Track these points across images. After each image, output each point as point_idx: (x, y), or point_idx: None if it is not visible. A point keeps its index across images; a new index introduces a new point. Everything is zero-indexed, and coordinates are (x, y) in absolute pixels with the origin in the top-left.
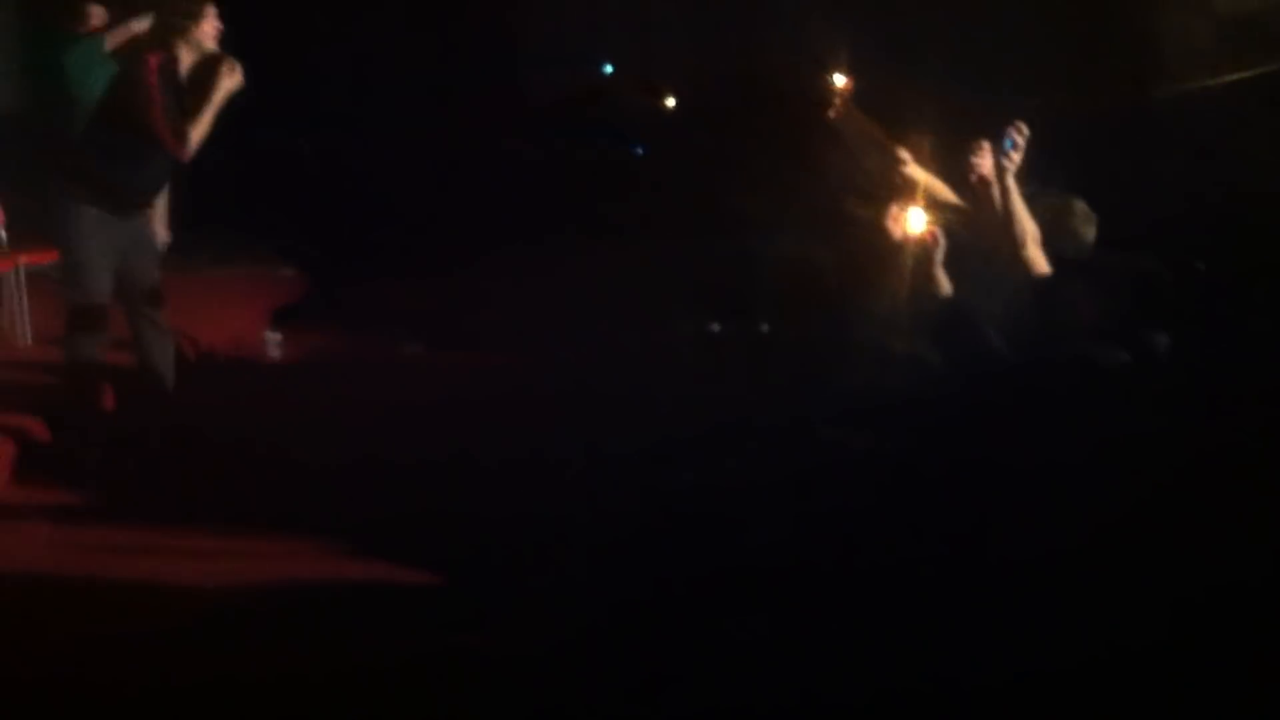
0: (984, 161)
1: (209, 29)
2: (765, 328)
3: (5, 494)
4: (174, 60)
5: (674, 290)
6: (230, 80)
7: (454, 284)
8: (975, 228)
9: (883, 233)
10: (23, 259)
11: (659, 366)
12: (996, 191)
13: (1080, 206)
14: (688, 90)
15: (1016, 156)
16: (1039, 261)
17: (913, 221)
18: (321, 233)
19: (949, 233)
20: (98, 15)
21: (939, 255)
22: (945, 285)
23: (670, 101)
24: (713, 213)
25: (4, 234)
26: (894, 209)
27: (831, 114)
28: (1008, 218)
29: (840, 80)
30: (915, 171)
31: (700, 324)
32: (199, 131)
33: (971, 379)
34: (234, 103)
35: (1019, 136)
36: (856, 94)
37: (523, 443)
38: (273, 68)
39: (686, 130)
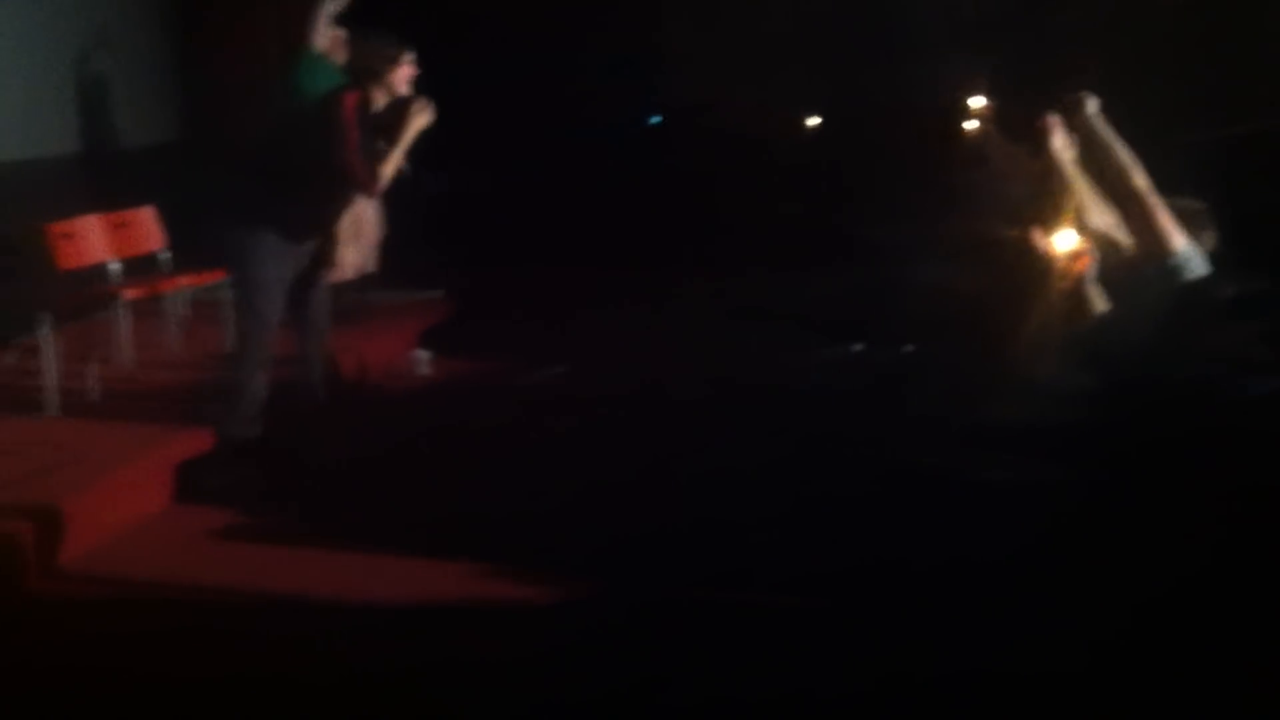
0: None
1: (405, 74)
2: (909, 349)
3: (168, 511)
4: (368, 100)
5: (821, 315)
6: (422, 118)
7: (599, 308)
8: (1123, 242)
9: (1032, 255)
10: (184, 280)
11: (805, 388)
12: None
13: (1202, 212)
14: (830, 116)
15: None
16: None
17: (1063, 241)
18: (470, 256)
19: (1100, 250)
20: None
21: (1092, 273)
22: (1100, 303)
23: (813, 127)
24: (858, 238)
25: (168, 255)
26: (1042, 229)
27: (975, 137)
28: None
29: (982, 103)
30: (1064, 189)
31: (844, 346)
32: (390, 168)
33: (1135, 408)
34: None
35: None
36: (1000, 116)
37: (668, 459)
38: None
39: (831, 156)
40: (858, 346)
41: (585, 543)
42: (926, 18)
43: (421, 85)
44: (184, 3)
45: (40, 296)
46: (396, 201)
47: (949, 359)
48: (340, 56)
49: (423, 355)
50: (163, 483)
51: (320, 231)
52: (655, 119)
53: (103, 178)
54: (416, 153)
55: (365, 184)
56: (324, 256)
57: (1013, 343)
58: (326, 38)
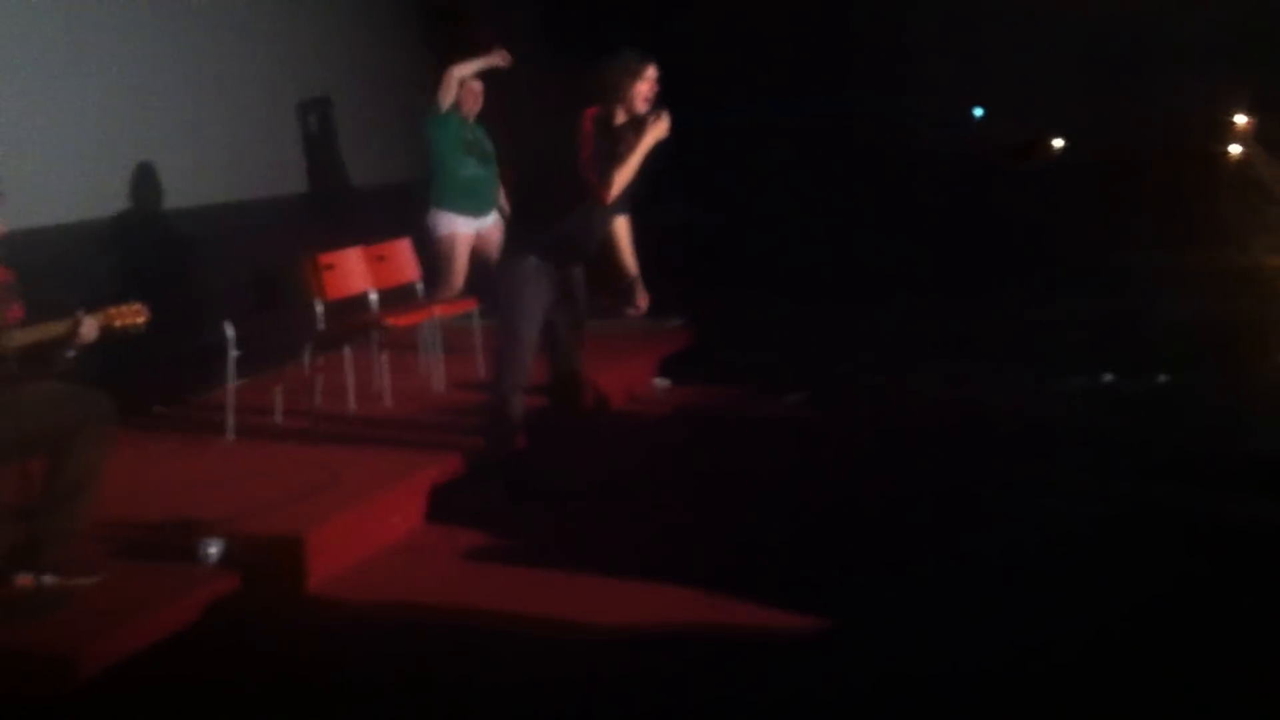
0: None
1: (644, 90)
2: (1162, 379)
3: (418, 532)
4: (609, 114)
5: (1066, 342)
6: (657, 131)
7: (835, 336)
8: None
9: None
10: (437, 310)
11: (1053, 419)
12: None
13: None
14: (1077, 137)
15: None
16: None
17: None
18: (705, 285)
19: None
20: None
21: None
22: None
23: (1059, 148)
24: (1105, 263)
25: (421, 286)
26: None
27: (1237, 157)
28: None
29: (1244, 120)
30: None
31: (1093, 376)
32: (623, 176)
33: None
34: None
35: None
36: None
37: (916, 490)
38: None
39: (1071, 180)
40: (1108, 377)
41: (825, 574)
42: (1182, 31)
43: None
44: (435, 40)
45: (303, 325)
46: (638, 232)
47: (1205, 391)
48: (474, 106)
49: (663, 383)
50: (416, 505)
51: (576, 253)
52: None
53: (361, 211)
54: (658, 182)
55: (597, 191)
56: (579, 284)
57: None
58: (455, 94)
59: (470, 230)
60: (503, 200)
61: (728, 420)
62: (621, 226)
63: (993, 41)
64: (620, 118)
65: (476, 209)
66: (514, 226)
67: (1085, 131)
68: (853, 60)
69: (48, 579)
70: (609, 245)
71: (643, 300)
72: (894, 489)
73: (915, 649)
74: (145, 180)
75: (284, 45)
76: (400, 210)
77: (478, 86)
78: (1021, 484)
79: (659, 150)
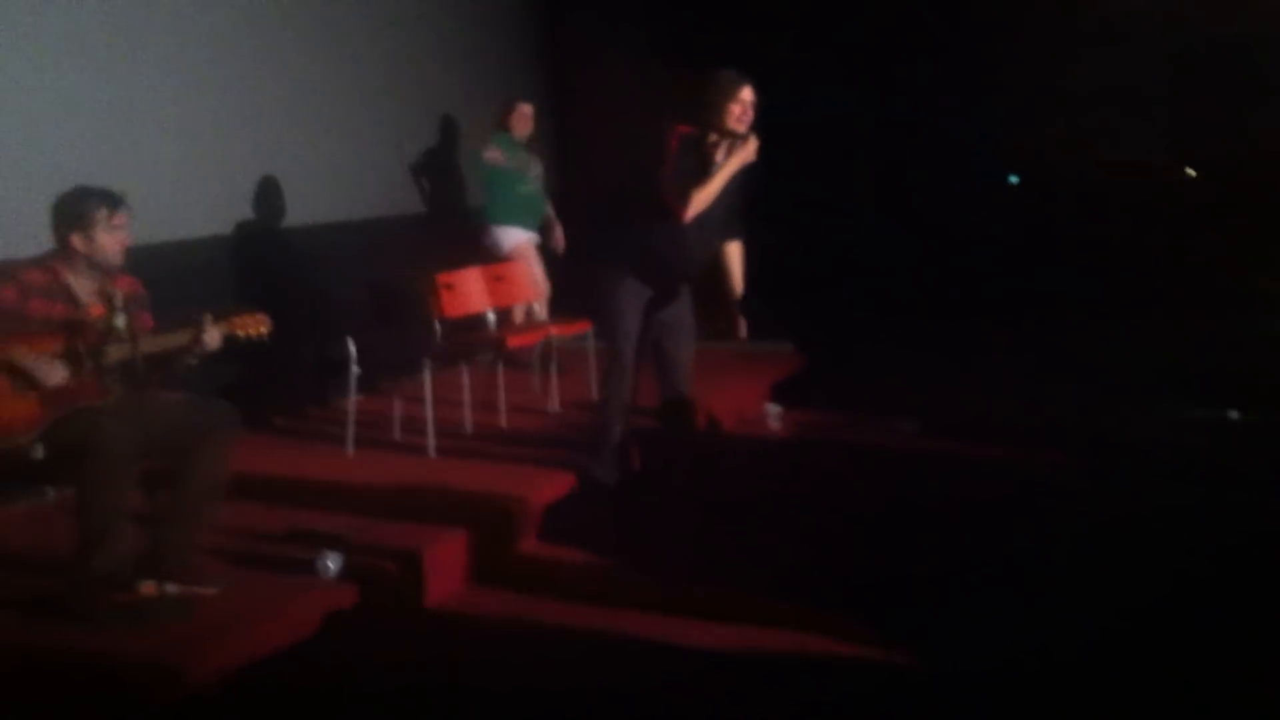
0: None
1: (737, 111)
2: None
3: (531, 549)
4: (702, 133)
5: (1183, 373)
6: (744, 154)
7: (950, 360)
8: None
9: None
10: (553, 330)
11: (1170, 458)
12: None
13: None
14: (1204, 162)
15: None
16: None
17: None
18: (820, 309)
19: None
20: None
21: None
22: None
23: (1188, 174)
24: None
25: (538, 307)
26: None
27: None
28: None
29: None
30: None
31: (1216, 411)
32: (702, 198)
33: None
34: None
35: None
36: None
37: (1033, 527)
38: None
39: (1191, 205)
40: (1233, 413)
41: (931, 607)
42: None
43: (766, 134)
44: (556, 63)
45: (422, 342)
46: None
47: None
48: (526, 129)
49: (774, 408)
50: (530, 521)
51: (670, 272)
52: (1012, 178)
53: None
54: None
55: (673, 208)
56: (684, 305)
57: None
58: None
59: (528, 240)
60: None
61: (838, 447)
62: (733, 250)
63: (1104, 62)
64: (712, 137)
65: (531, 223)
66: (604, 244)
67: (1210, 155)
68: (945, 84)
69: (170, 587)
70: (717, 269)
71: (741, 328)
72: (1016, 528)
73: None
74: (268, 197)
75: (403, 67)
76: None
77: (528, 110)
78: (1127, 523)
79: (769, 168)
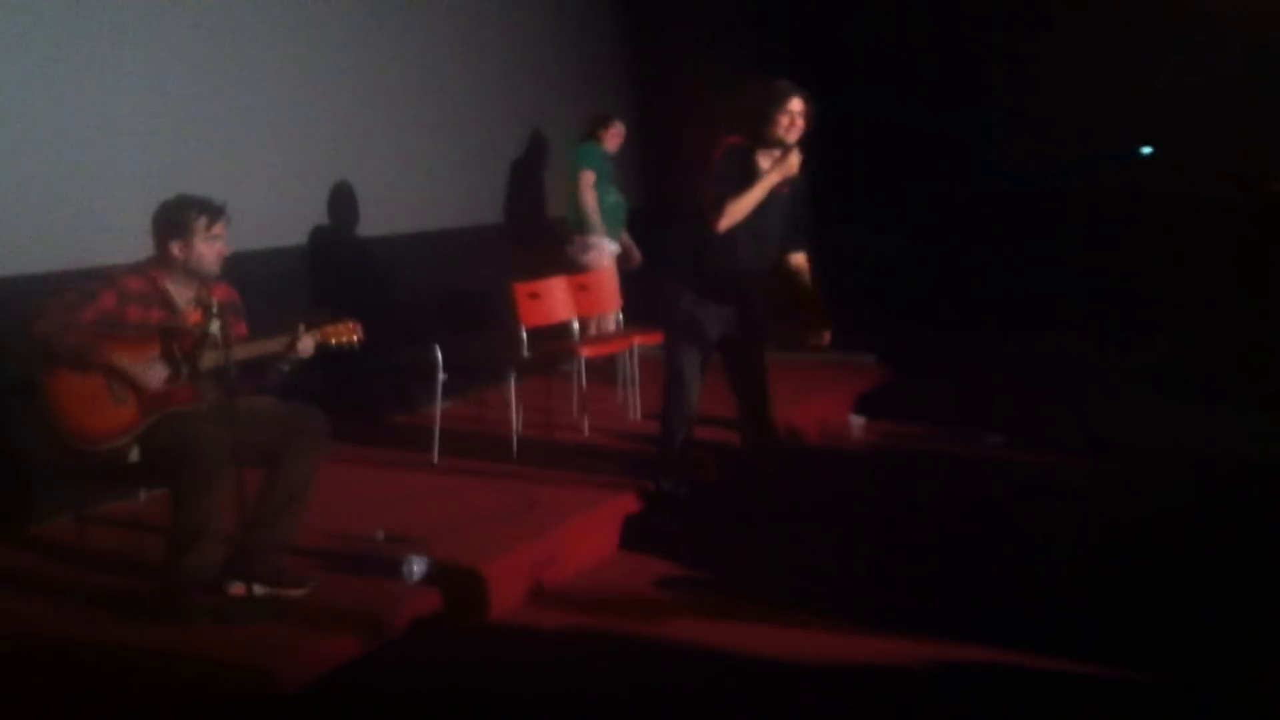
0: None
1: (785, 122)
2: None
3: (611, 558)
4: (750, 144)
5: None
6: (785, 166)
7: (1035, 371)
8: None
9: None
10: (635, 339)
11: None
12: None
13: None
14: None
15: None
16: None
17: None
18: (905, 321)
19: None
20: None
21: None
22: None
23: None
24: None
25: (620, 317)
26: None
27: None
28: None
29: None
30: None
31: None
32: (738, 208)
33: None
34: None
35: None
36: None
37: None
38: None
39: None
40: None
41: (1011, 619)
42: None
43: (836, 140)
44: (644, 75)
45: (507, 351)
46: (827, 261)
47: None
48: (616, 146)
49: (858, 419)
50: (610, 530)
51: (726, 283)
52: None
53: (558, 242)
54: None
55: (709, 215)
56: (752, 316)
57: None
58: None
59: (614, 249)
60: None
61: (921, 459)
62: (799, 260)
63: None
64: (761, 145)
65: (614, 232)
66: (672, 259)
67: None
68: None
69: (259, 588)
70: (789, 278)
71: (823, 336)
72: (1109, 541)
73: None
74: (356, 206)
75: (491, 78)
76: None
77: (622, 129)
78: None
79: (859, 176)
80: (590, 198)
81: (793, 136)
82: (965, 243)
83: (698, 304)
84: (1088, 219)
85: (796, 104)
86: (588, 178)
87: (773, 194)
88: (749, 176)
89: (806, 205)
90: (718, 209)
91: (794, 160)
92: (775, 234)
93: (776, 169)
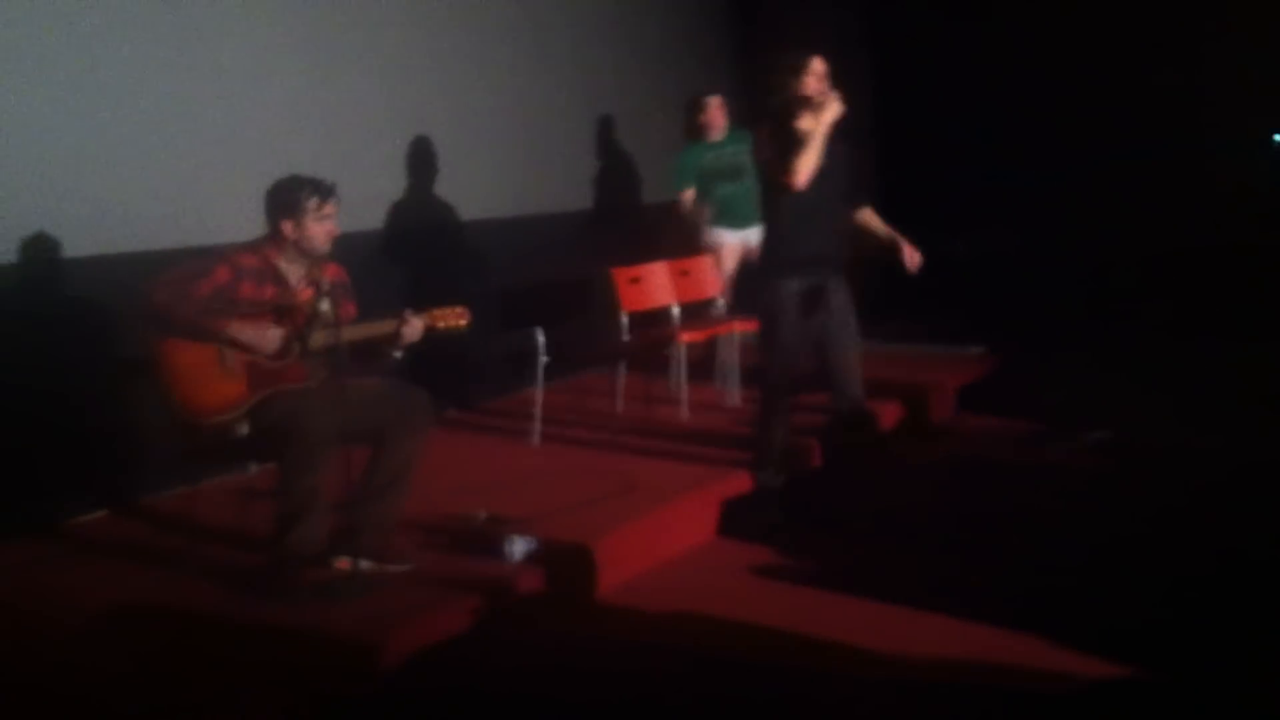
0: None
1: (813, 84)
2: None
3: (708, 545)
4: (784, 114)
5: None
6: (832, 109)
7: (1149, 369)
8: None
9: None
10: (735, 326)
11: None
12: None
13: None
14: None
15: None
16: None
17: None
18: (1008, 315)
19: None
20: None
21: None
22: None
23: None
24: None
25: (723, 302)
26: None
27: None
28: None
29: None
30: None
31: None
32: (807, 160)
33: None
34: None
35: None
36: None
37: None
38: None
39: None
40: None
41: (1109, 620)
42: None
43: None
44: (734, 63)
45: (607, 335)
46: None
47: None
48: (720, 124)
49: (959, 413)
50: (709, 517)
51: (815, 260)
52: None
53: (668, 226)
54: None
55: (783, 178)
56: (845, 307)
57: None
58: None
59: (735, 241)
60: None
61: (1020, 456)
62: (867, 214)
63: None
64: (796, 109)
65: (735, 224)
66: (765, 245)
67: None
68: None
69: (364, 564)
70: (862, 237)
71: (912, 254)
72: (1207, 547)
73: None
74: (460, 191)
75: (581, 65)
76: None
77: (717, 101)
78: None
79: (969, 172)
80: (693, 212)
81: (822, 93)
82: (1085, 240)
83: (793, 293)
84: (1220, 212)
85: (818, 64)
86: (684, 198)
87: (827, 162)
88: (796, 135)
89: (853, 168)
90: (789, 169)
91: (836, 103)
92: (839, 197)
93: (827, 114)
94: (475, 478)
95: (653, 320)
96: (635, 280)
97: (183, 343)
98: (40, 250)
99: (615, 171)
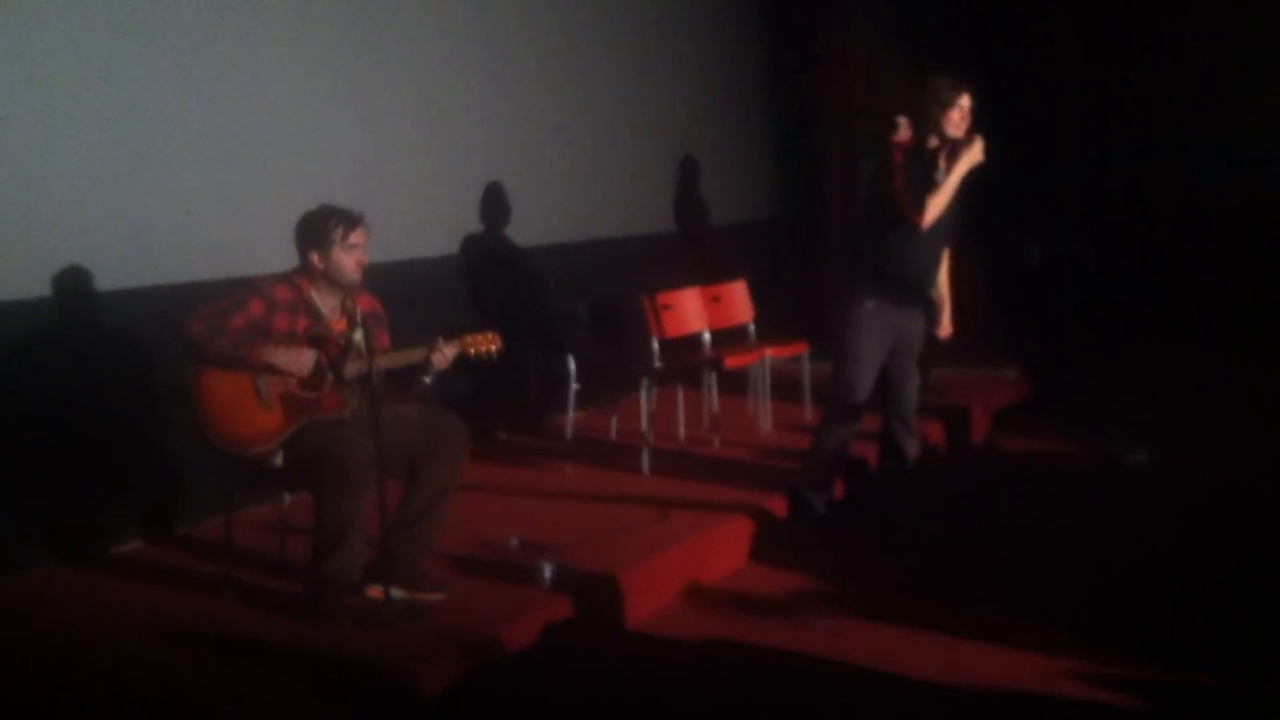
0: None
1: (956, 117)
2: None
3: (742, 570)
4: (922, 140)
5: None
6: (971, 155)
7: (1195, 390)
8: None
9: None
10: (768, 352)
11: None
12: None
13: None
14: None
15: None
16: None
17: None
18: (1046, 331)
19: None
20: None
21: None
22: None
23: None
24: None
25: (753, 328)
26: None
27: None
28: None
29: None
30: None
31: None
32: (938, 202)
33: None
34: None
35: None
36: None
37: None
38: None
39: None
40: None
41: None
42: None
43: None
44: (781, 89)
45: (640, 361)
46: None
47: None
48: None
49: (997, 433)
50: (741, 542)
51: (906, 288)
52: None
53: (706, 252)
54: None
55: (912, 214)
56: (916, 329)
57: None
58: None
59: None
60: None
61: (1061, 476)
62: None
63: None
64: (933, 144)
65: None
66: (845, 266)
67: None
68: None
69: (397, 592)
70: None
71: (946, 328)
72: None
73: None
74: (495, 218)
75: (632, 90)
76: (737, 251)
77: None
78: None
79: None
80: None
81: (962, 131)
82: (1125, 257)
83: (877, 312)
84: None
85: (966, 100)
86: None
87: (913, 177)
88: (929, 173)
89: (964, 202)
90: (921, 207)
91: (978, 149)
92: (947, 230)
93: (965, 160)
94: (507, 504)
95: (686, 346)
96: (668, 307)
97: (219, 375)
98: (75, 283)
99: (658, 196)
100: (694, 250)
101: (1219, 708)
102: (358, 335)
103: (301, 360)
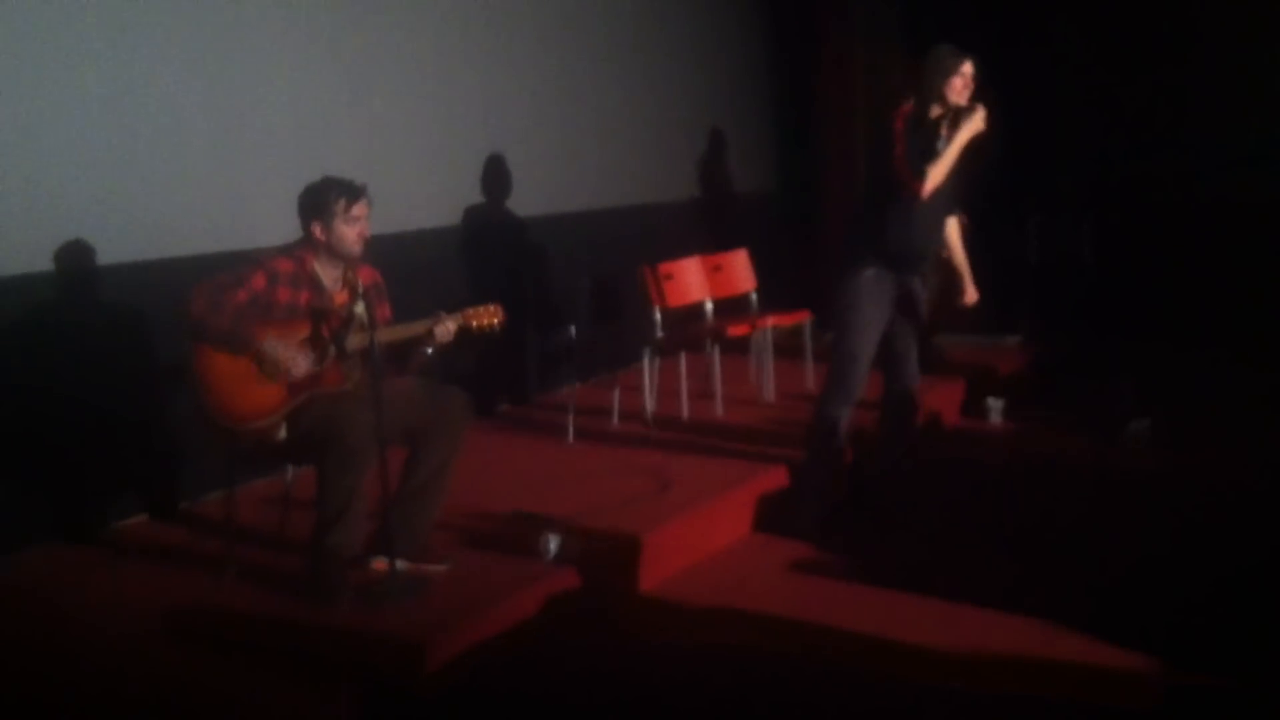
0: None
1: (958, 85)
2: None
3: (746, 541)
4: (924, 109)
5: None
6: (974, 124)
7: (1190, 364)
8: None
9: None
10: (770, 320)
11: None
12: None
13: None
14: None
15: None
16: None
17: None
18: (1049, 303)
19: None
20: None
21: None
22: None
23: None
24: None
25: (755, 297)
26: None
27: None
28: None
29: None
30: None
31: None
32: (938, 172)
33: None
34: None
35: None
36: None
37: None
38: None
39: None
40: None
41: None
42: None
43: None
44: (788, 64)
45: (641, 332)
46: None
47: None
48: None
49: (996, 403)
50: (744, 513)
51: (906, 258)
52: None
53: (707, 222)
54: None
55: (912, 188)
56: (918, 298)
57: None
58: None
59: None
60: None
61: (1059, 449)
62: (951, 227)
63: None
64: (935, 112)
65: None
66: (847, 235)
67: None
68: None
69: (401, 565)
70: (939, 247)
71: (971, 294)
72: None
73: None
74: (495, 190)
75: (633, 60)
76: (739, 221)
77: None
78: None
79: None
80: None
81: (965, 99)
82: (1131, 229)
83: (878, 281)
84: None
85: (969, 67)
86: None
87: (913, 146)
88: (931, 142)
89: (966, 172)
90: (921, 176)
91: (980, 117)
92: (947, 200)
93: (966, 128)
94: (510, 476)
95: (688, 316)
96: (669, 276)
97: (220, 350)
98: (77, 257)
99: (660, 167)
100: (696, 220)
101: (1219, 708)
102: (359, 308)
103: (296, 363)
